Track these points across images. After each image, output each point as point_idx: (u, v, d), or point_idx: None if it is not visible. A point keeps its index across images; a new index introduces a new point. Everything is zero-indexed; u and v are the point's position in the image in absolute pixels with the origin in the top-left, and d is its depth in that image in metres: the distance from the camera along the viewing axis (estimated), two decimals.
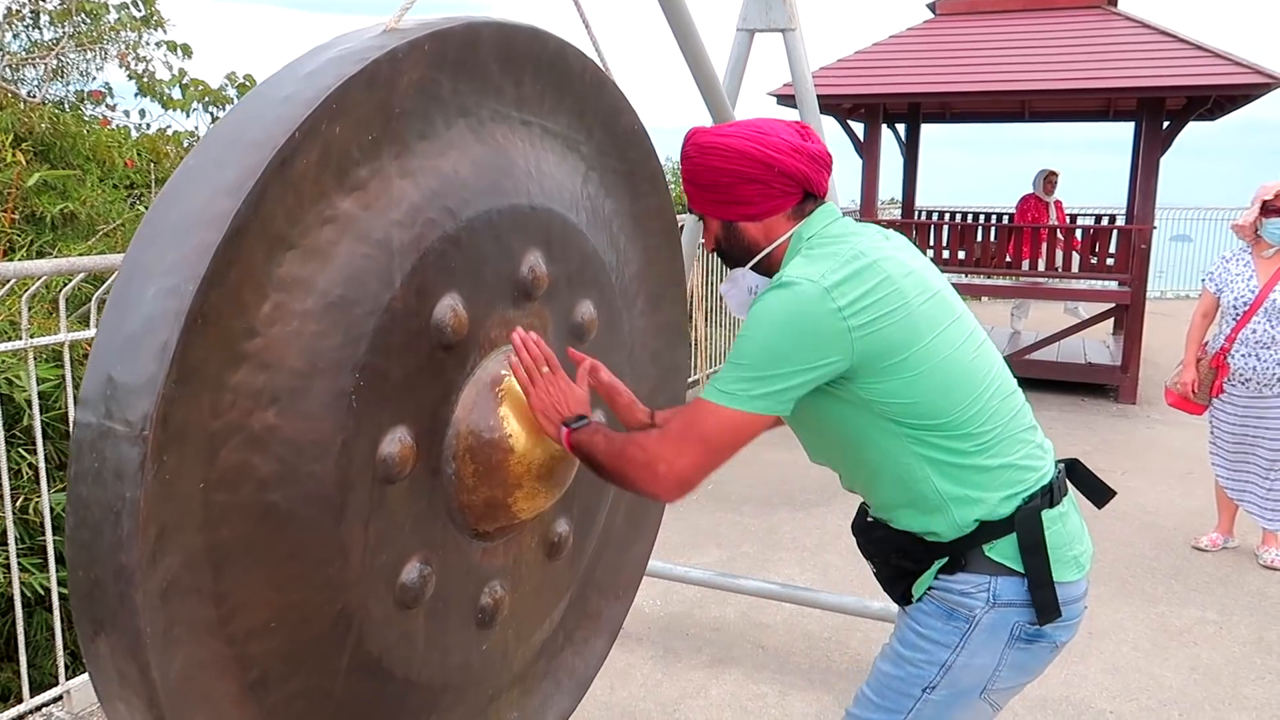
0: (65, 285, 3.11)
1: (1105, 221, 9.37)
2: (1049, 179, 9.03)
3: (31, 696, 3.04)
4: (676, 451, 1.52)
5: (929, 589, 1.63)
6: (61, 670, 3.11)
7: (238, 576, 1.30)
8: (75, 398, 3.19)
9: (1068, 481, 1.71)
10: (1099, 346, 8.67)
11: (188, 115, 6.36)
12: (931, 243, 8.44)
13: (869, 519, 1.73)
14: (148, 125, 6.72)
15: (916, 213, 9.99)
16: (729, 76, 3.34)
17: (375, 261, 1.44)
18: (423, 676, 1.69)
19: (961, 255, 8.36)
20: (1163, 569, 4.49)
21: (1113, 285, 8.13)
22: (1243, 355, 4.37)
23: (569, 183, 1.95)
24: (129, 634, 1.16)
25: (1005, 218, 9.26)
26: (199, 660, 1.27)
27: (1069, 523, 1.64)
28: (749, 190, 1.60)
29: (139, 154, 5.76)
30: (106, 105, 6.72)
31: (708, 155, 1.62)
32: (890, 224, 8.61)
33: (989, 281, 8.62)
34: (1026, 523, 1.56)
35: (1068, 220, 9.29)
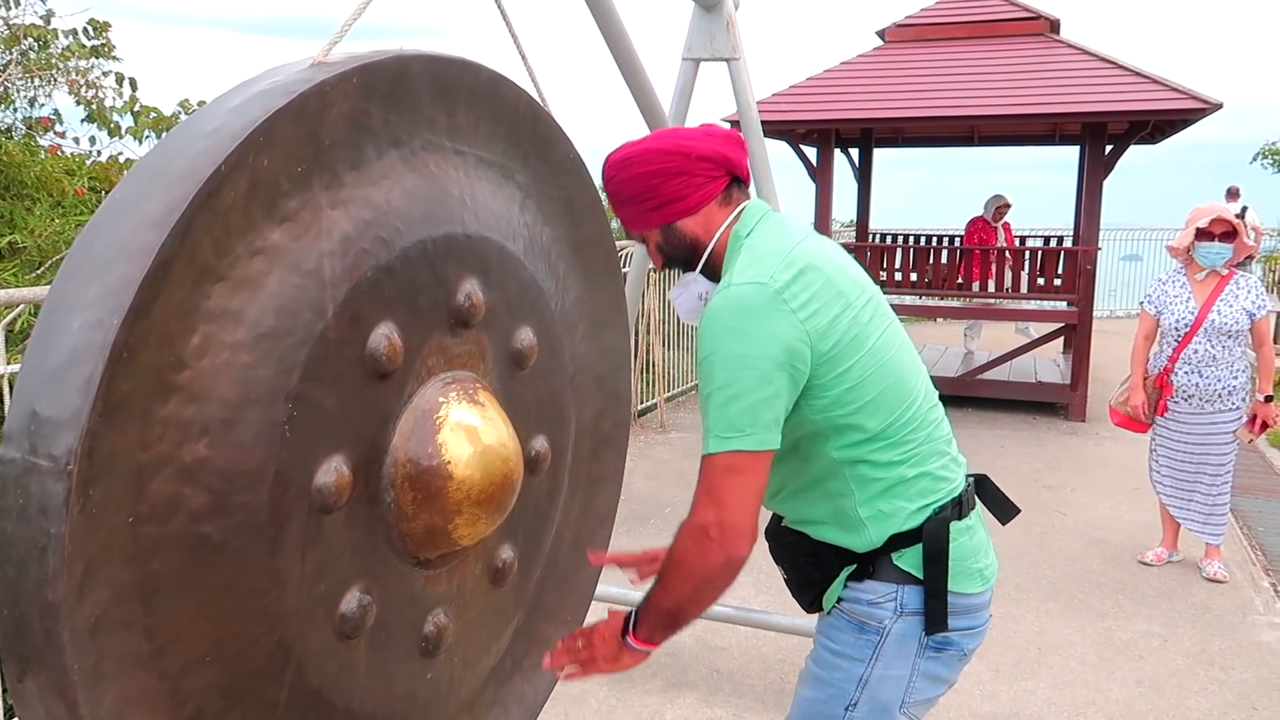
0: (6, 315, 3.06)
1: (1053, 243, 9.62)
2: (1000, 209, 9.26)
3: None
4: (713, 511, 1.49)
5: (838, 600, 1.66)
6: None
7: (170, 609, 1.29)
8: None
9: (976, 497, 1.75)
10: (1049, 365, 8.89)
11: (140, 142, 6.28)
12: (884, 265, 8.60)
13: (782, 524, 1.75)
14: (98, 153, 6.63)
15: (871, 235, 10.17)
16: (675, 105, 3.40)
17: (307, 292, 1.45)
18: (365, 708, 1.67)
19: (914, 277, 8.54)
20: (1110, 584, 4.60)
21: (1062, 305, 8.35)
22: (1186, 374, 4.52)
23: (505, 211, 1.97)
24: (56, 671, 1.15)
25: (957, 240, 9.47)
26: (130, 696, 1.26)
27: (975, 536, 1.68)
28: (676, 184, 1.62)
29: (89, 183, 5.68)
30: (55, 132, 6.62)
31: (627, 167, 1.65)
32: (844, 246, 8.75)
33: (942, 303, 8.81)
34: (934, 533, 1.59)
35: (1016, 242, 9.52)
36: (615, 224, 2.19)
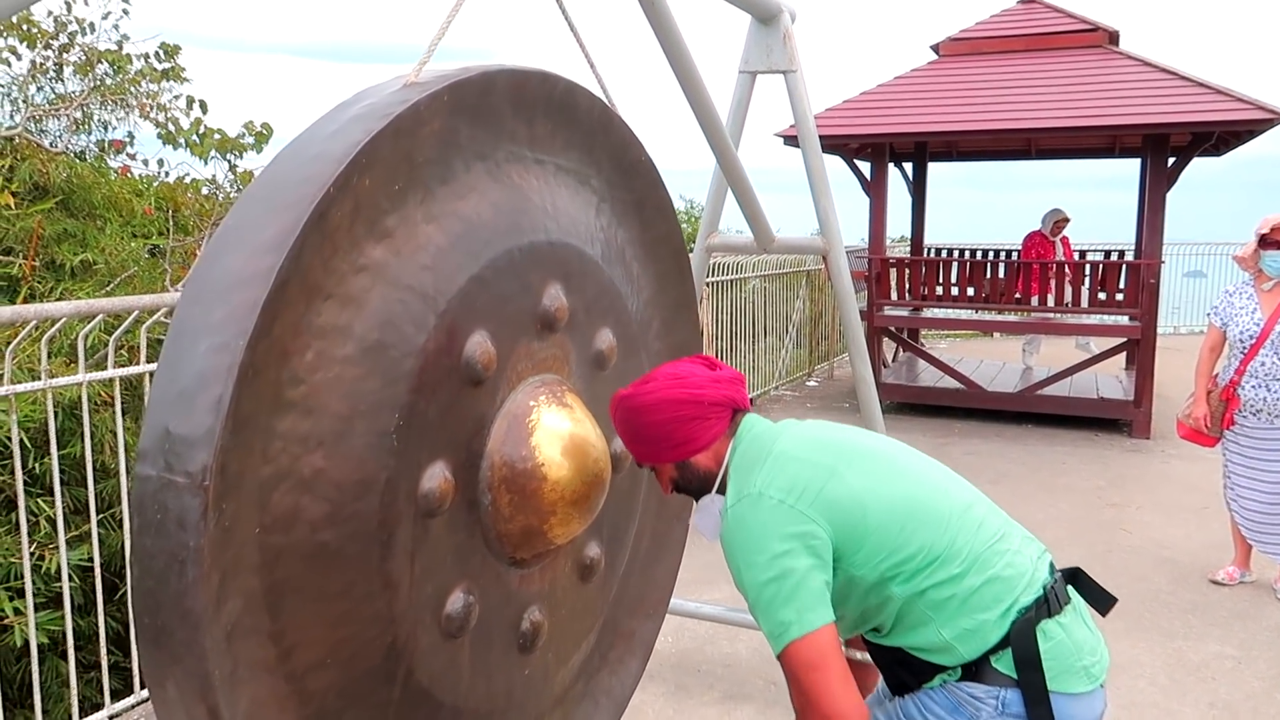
0: (83, 327, 3.18)
1: (1114, 257, 9.37)
2: (1058, 223, 9.05)
3: None
4: (812, 712, 1.56)
5: (944, 683, 1.66)
6: (76, 710, 3.17)
7: (293, 615, 1.35)
8: (91, 439, 3.28)
9: (1071, 590, 1.72)
10: (1111, 381, 8.63)
11: (205, 163, 6.46)
12: (940, 280, 8.48)
13: (875, 640, 1.76)
14: (166, 174, 6.83)
15: (925, 250, 10.04)
16: (732, 118, 3.41)
17: (407, 305, 1.50)
18: (469, 703, 1.73)
19: (970, 292, 8.41)
20: (1179, 604, 4.46)
21: (1124, 320, 8.14)
22: (1253, 387, 4.41)
23: (583, 216, 2.02)
24: (197, 677, 1.21)
25: (1014, 254, 9.28)
26: (262, 699, 1.32)
27: (1074, 633, 1.64)
28: (690, 428, 1.73)
29: (157, 203, 5.86)
30: (128, 154, 6.82)
31: (644, 414, 1.74)
32: (899, 261, 8.68)
33: (999, 318, 8.66)
34: (1021, 637, 1.59)
35: (1075, 256, 9.30)
36: (684, 224, 2.21)
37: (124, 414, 3.34)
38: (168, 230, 5.77)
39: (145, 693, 3.45)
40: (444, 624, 1.63)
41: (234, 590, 1.25)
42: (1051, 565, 1.74)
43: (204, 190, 6.57)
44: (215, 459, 1.18)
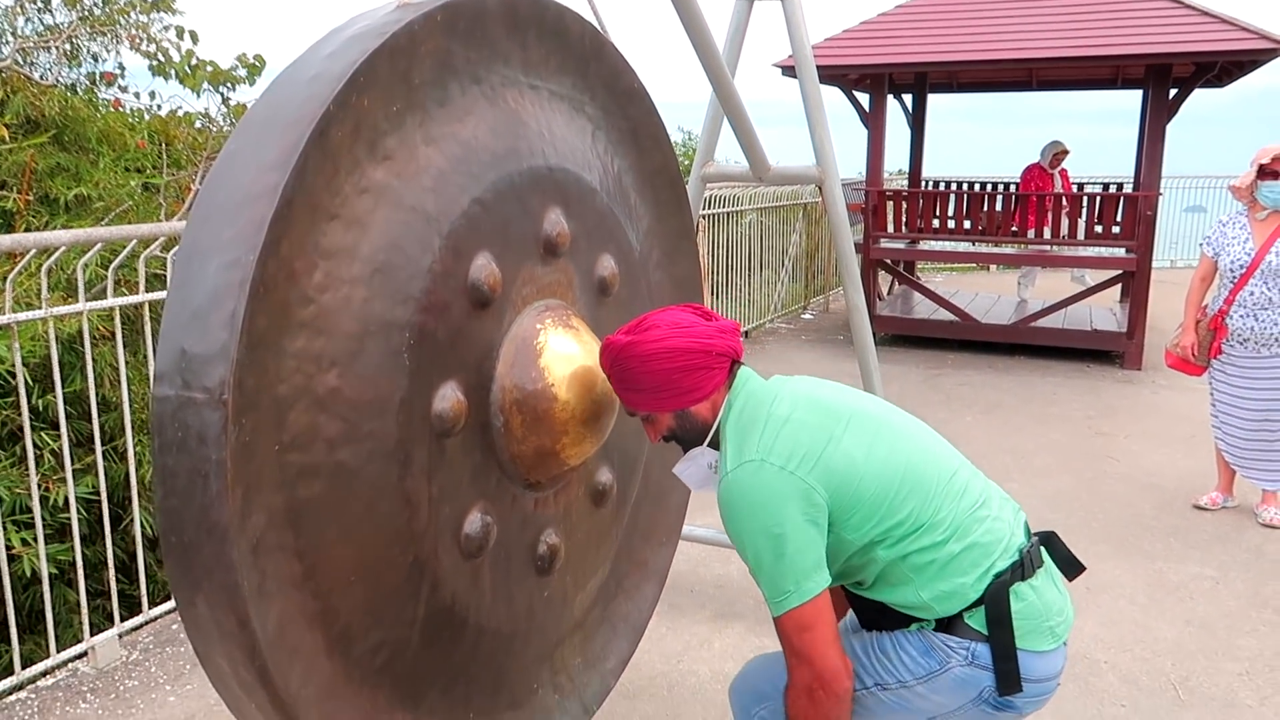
0: (81, 259, 3.18)
1: (1113, 190, 9.31)
2: (1057, 155, 8.97)
3: (58, 651, 3.20)
4: (806, 670, 1.63)
5: (920, 627, 1.72)
6: (86, 629, 3.26)
7: (316, 533, 1.38)
8: (94, 369, 3.30)
9: (1044, 553, 1.77)
10: (1105, 314, 8.65)
11: (198, 95, 6.36)
12: (937, 212, 8.43)
13: (856, 593, 1.81)
14: (159, 107, 6.72)
15: (924, 183, 9.96)
16: (728, 45, 3.38)
17: (411, 227, 1.51)
18: (491, 623, 1.77)
19: (968, 225, 8.38)
20: (1162, 528, 4.53)
21: (1120, 253, 8.11)
22: (1241, 316, 4.42)
23: (579, 142, 2.01)
24: (227, 588, 1.24)
25: (1012, 187, 9.21)
26: (289, 614, 1.34)
27: (1044, 595, 1.71)
28: (695, 377, 1.74)
29: (150, 136, 5.79)
30: (119, 87, 6.71)
31: (650, 361, 1.72)
32: (896, 194, 8.62)
33: (996, 250, 8.62)
34: (995, 599, 1.65)
35: (1074, 189, 9.24)
36: (681, 157, 2.21)
37: (123, 347, 3.36)
38: (161, 164, 5.72)
39: (153, 611, 3.55)
40: (463, 544, 1.66)
41: (258, 505, 1.27)
42: (1027, 527, 1.80)
43: (197, 124, 6.49)
44: (233, 373, 1.19)
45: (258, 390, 1.25)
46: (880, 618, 1.76)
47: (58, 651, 3.22)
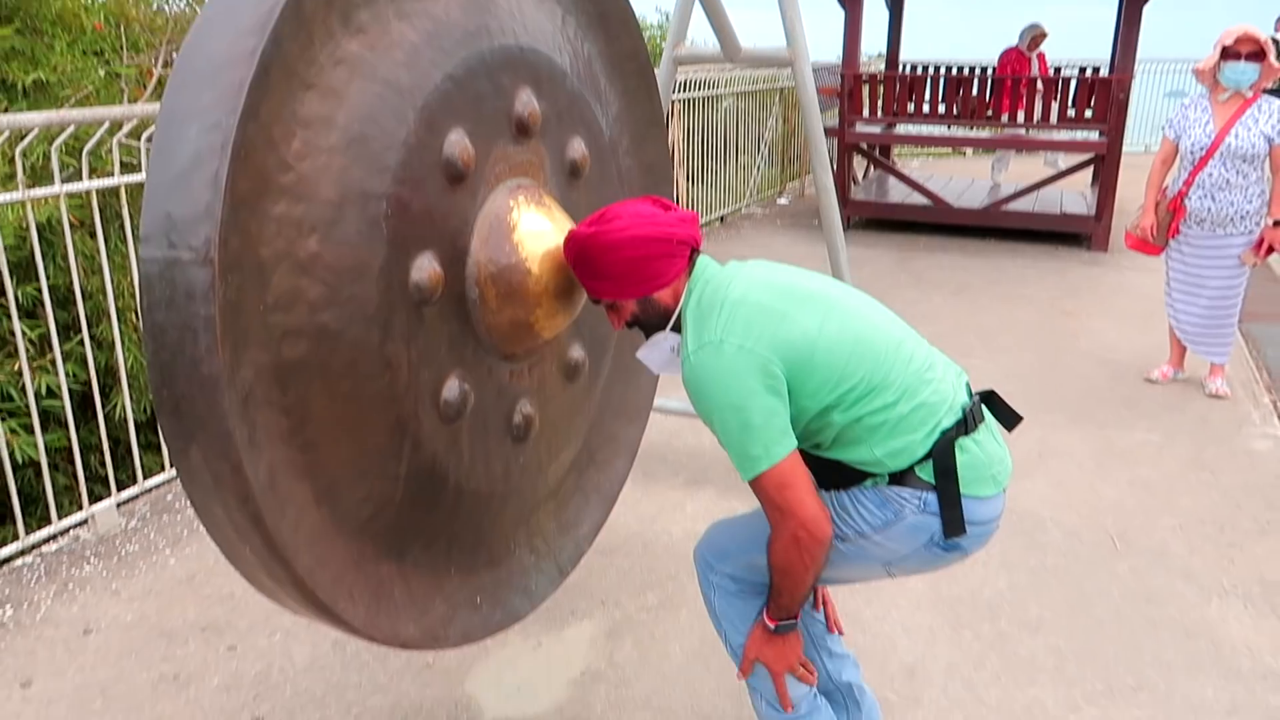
0: (53, 142, 3.16)
1: (1090, 74, 9.20)
2: (1035, 39, 8.84)
3: (59, 519, 3.35)
4: (790, 521, 1.73)
5: (874, 481, 1.86)
6: (85, 498, 3.41)
7: (302, 390, 1.46)
8: (75, 255, 3.32)
9: (986, 410, 1.92)
10: (1076, 198, 8.68)
11: None
12: (912, 96, 8.33)
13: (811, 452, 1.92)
14: None
15: (901, 66, 9.79)
16: None
17: (385, 100, 1.54)
18: (470, 484, 1.88)
19: (943, 109, 8.30)
20: (1114, 399, 4.73)
21: (1094, 136, 8.09)
22: (1199, 198, 4.50)
23: (549, 24, 2.02)
24: (220, 437, 1.33)
25: (990, 71, 9.09)
26: (278, 466, 1.44)
27: (985, 447, 1.86)
28: (657, 265, 1.81)
29: (106, 18, 5.60)
30: None
31: (615, 250, 1.78)
32: (871, 78, 8.50)
33: (971, 134, 8.57)
34: (942, 453, 1.80)
35: (1050, 72, 9.13)
36: (649, 39, 2.22)
37: (92, 236, 3.36)
38: (120, 48, 5.55)
39: (148, 482, 3.70)
40: (442, 408, 1.75)
41: (246, 361, 1.35)
42: (968, 387, 1.94)
43: (154, 5, 6.27)
44: (218, 232, 1.25)
45: (242, 251, 1.32)
46: (837, 477, 1.89)
47: (59, 518, 3.34)
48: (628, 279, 1.83)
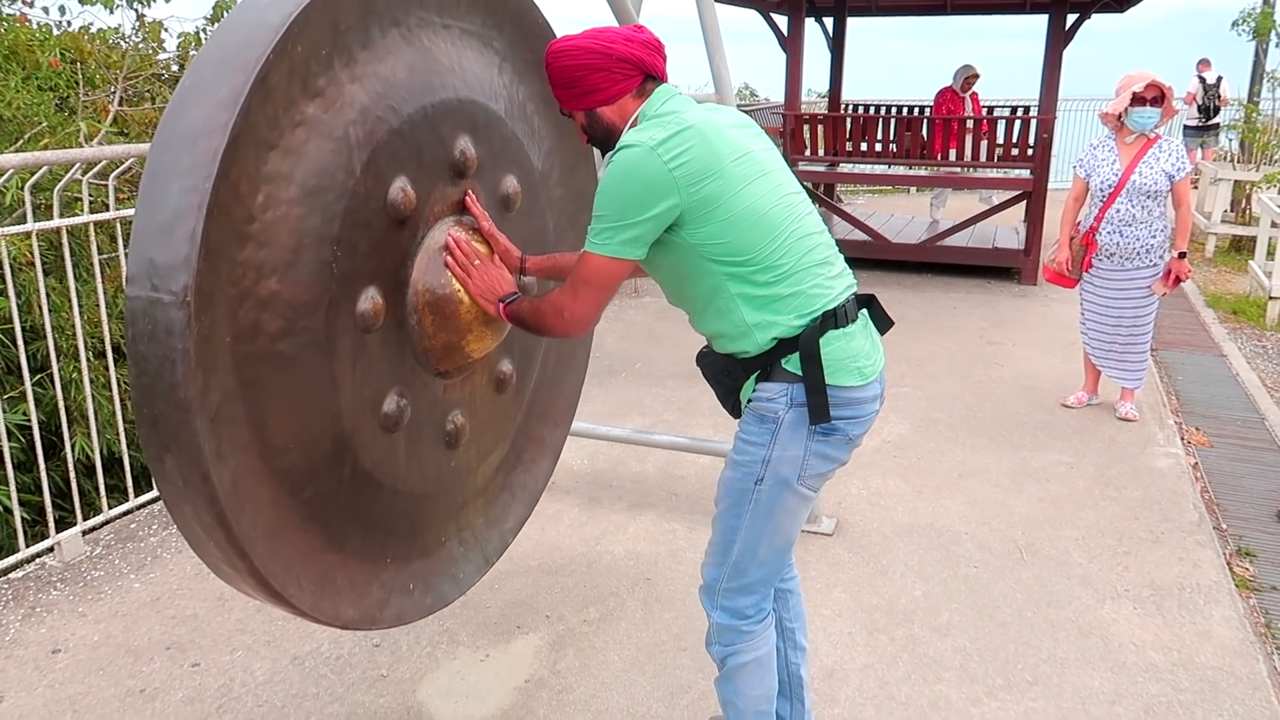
0: (28, 181, 3.32)
1: (1021, 113, 9.71)
2: (968, 79, 9.32)
3: (27, 547, 3.47)
4: (573, 298, 1.94)
5: (749, 401, 2.04)
6: (51, 526, 3.53)
7: (262, 408, 1.69)
8: (45, 290, 3.43)
9: (860, 310, 2.07)
10: (1009, 232, 9.11)
11: (111, 12, 6.28)
12: (850, 135, 8.72)
13: (705, 350, 2.14)
14: (68, 23, 6.61)
15: (843, 106, 10.20)
16: None
17: (339, 155, 1.78)
18: (406, 486, 2.11)
19: (879, 148, 8.70)
20: (1031, 423, 5.06)
21: (1025, 174, 8.53)
22: (1109, 233, 4.86)
23: (487, 75, 2.27)
24: (191, 450, 1.55)
25: (926, 111, 9.53)
26: (242, 472, 1.66)
27: (852, 341, 1.99)
28: (597, 78, 1.95)
29: (62, 54, 5.74)
30: (24, 1, 6.57)
31: (561, 58, 1.96)
32: (812, 118, 8.88)
33: (910, 172, 8.97)
34: (807, 339, 1.93)
35: (983, 112, 9.62)
36: None
37: (48, 274, 3.50)
38: (76, 83, 5.69)
39: (112, 511, 3.83)
40: (382, 420, 1.99)
41: (214, 385, 1.57)
42: (852, 292, 2.09)
43: (110, 40, 6.41)
44: (194, 280, 1.48)
45: (213, 293, 1.54)
46: (726, 377, 2.06)
47: (26, 545, 3.47)
48: (571, 89, 1.96)
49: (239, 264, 1.60)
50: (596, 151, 2.45)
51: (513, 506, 2.63)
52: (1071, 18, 8.16)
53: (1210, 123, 12.71)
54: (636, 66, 1.96)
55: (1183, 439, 4.92)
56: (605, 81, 1.95)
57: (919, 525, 3.93)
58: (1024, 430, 4.99)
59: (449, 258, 2.05)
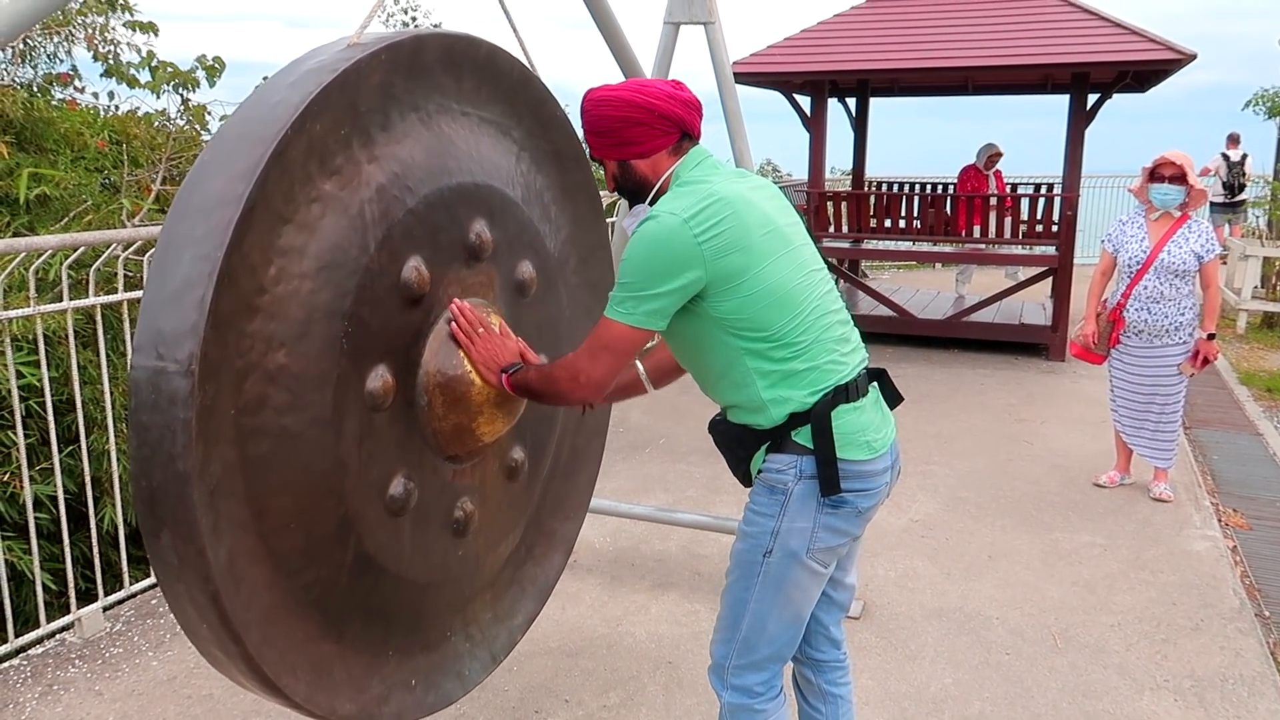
0: (66, 260, 3.39)
1: (1044, 189, 9.79)
2: (991, 157, 9.45)
3: (47, 623, 3.46)
4: (591, 362, 1.94)
5: (759, 472, 2.04)
6: (73, 602, 3.51)
7: (263, 484, 1.66)
8: (60, 372, 3.48)
9: (873, 386, 2.07)
10: (1035, 308, 9.12)
11: (158, 97, 6.52)
12: (874, 212, 8.79)
13: (718, 418, 2.13)
14: (116, 107, 6.86)
15: (866, 183, 10.33)
16: (656, 66, 3.66)
17: (353, 232, 1.79)
18: (410, 573, 2.06)
19: (904, 224, 8.77)
20: (1063, 503, 4.94)
21: (1051, 250, 8.54)
22: (1136, 309, 4.82)
23: (504, 162, 2.29)
24: (188, 525, 1.52)
25: (951, 186, 9.63)
26: (238, 550, 1.63)
27: (863, 415, 2.00)
28: (635, 132, 1.98)
29: (109, 135, 5.94)
30: (75, 87, 6.84)
31: (601, 106, 1.99)
32: (835, 195, 8.98)
33: (935, 248, 9.03)
34: (819, 413, 1.94)
35: (1006, 189, 9.70)
36: (599, 174, 2.51)
37: (85, 347, 3.56)
38: (122, 163, 5.87)
39: (134, 587, 3.81)
40: (388, 503, 1.95)
41: (215, 457, 1.55)
42: (864, 366, 2.09)
43: (156, 124, 6.64)
44: (200, 348, 1.48)
45: (219, 363, 1.54)
46: (737, 446, 2.05)
47: (47, 621, 3.46)
48: (607, 137, 1.99)
49: (247, 335, 1.60)
50: (615, 226, 2.46)
51: (522, 602, 2.56)
52: (1093, 97, 8.21)
53: (1236, 199, 12.67)
54: (676, 124, 1.99)
55: (1220, 521, 4.77)
56: (643, 135, 1.97)
57: (948, 609, 3.80)
58: (1055, 510, 4.87)
59: (453, 324, 2.05)
